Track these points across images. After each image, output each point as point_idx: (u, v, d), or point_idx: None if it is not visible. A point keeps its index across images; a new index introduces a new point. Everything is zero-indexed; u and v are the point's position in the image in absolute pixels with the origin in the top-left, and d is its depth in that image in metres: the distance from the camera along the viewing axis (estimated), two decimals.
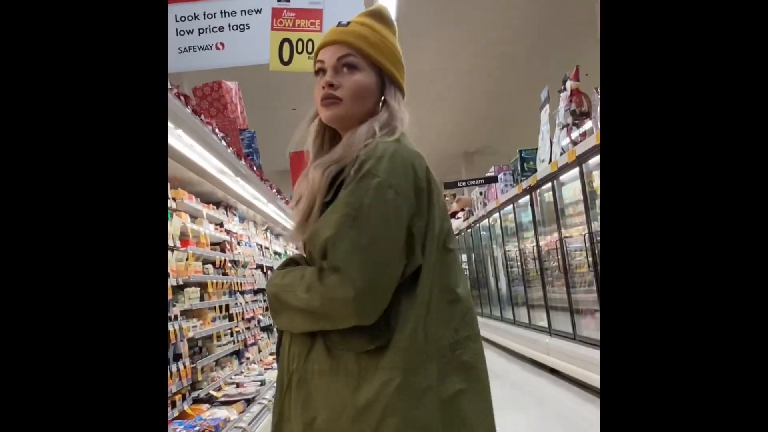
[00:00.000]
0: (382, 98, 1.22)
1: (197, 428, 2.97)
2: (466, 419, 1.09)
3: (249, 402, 3.72)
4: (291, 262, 1.21)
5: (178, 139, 2.81)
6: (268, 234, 6.72)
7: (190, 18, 3.43)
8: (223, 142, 3.36)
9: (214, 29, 3.42)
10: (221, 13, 3.43)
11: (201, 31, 3.41)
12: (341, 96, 1.18)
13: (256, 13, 3.43)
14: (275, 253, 6.81)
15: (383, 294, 1.05)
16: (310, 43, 3.30)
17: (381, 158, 1.09)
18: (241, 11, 3.43)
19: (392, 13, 1.28)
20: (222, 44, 3.36)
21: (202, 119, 2.96)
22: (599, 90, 4.36)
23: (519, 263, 7.49)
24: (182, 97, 2.67)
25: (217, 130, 3.29)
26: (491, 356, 7.50)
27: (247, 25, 3.43)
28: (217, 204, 4.60)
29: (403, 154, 1.12)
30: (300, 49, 3.30)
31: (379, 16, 1.26)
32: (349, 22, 1.23)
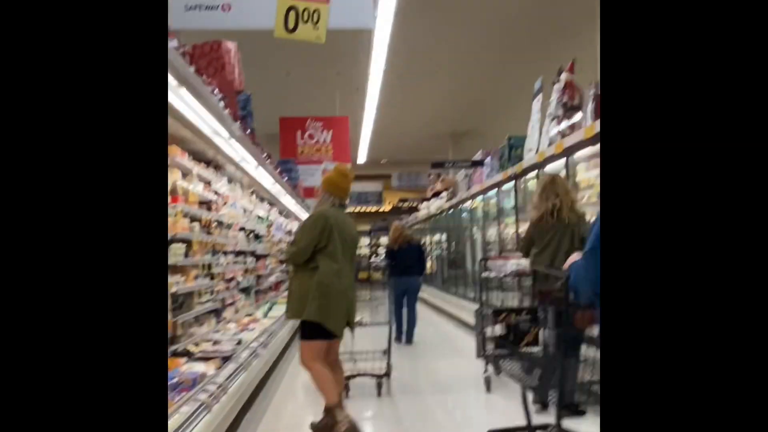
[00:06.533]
0: None
1: (175, 380, 3.06)
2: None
3: (225, 359, 3.80)
4: None
5: (179, 96, 2.83)
6: (254, 197, 6.75)
7: None
8: (222, 104, 3.39)
9: None
10: None
11: None
12: None
13: None
14: (258, 217, 6.84)
15: None
16: (315, 14, 3.32)
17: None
18: None
19: None
20: (229, 6, 3.36)
21: (204, 80, 2.98)
22: (599, 81, 4.43)
23: (498, 247, 7.62)
24: (187, 56, 2.69)
25: (216, 91, 3.31)
26: (465, 338, 7.66)
27: None
28: (208, 163, 4.62)
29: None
30: (306, 18, 3.32)
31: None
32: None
